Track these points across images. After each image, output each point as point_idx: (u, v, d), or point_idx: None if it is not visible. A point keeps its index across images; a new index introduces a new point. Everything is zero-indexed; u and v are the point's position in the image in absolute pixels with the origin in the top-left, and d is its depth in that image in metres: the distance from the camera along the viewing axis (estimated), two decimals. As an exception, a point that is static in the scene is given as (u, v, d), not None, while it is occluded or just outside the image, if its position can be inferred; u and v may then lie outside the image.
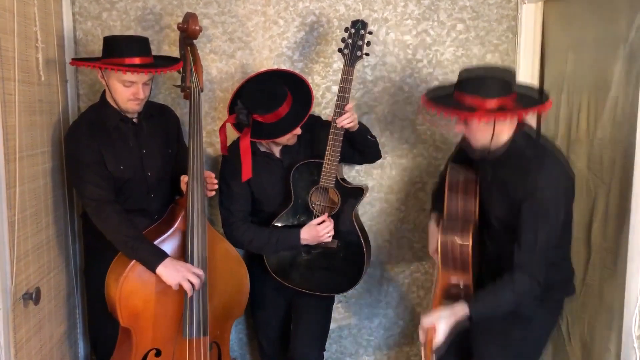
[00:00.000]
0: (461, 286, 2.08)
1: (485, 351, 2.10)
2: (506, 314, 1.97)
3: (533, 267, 1.92)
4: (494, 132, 1.91)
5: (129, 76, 2.10)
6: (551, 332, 2.17)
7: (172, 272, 2.08)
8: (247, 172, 2.30)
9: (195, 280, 2.09)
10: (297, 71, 2.53)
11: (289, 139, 2.32)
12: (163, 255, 2.10)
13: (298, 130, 2.29)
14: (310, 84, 2.38)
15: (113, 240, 2.12)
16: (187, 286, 2.09)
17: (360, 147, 2.41)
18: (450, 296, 2.09)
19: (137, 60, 2.10)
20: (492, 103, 1.85)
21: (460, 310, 1.92)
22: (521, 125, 1.98)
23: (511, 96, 1.89)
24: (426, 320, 1.94)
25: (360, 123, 2.35)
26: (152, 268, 2.08)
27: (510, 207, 1.95)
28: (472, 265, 2.04)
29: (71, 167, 2.23)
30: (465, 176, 2.14)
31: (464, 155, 2.16)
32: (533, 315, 2.03)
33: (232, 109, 2.31)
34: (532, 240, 1.90)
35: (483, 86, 1.88)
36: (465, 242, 2.01)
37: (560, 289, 2.09)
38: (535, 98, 1.99)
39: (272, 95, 2.26)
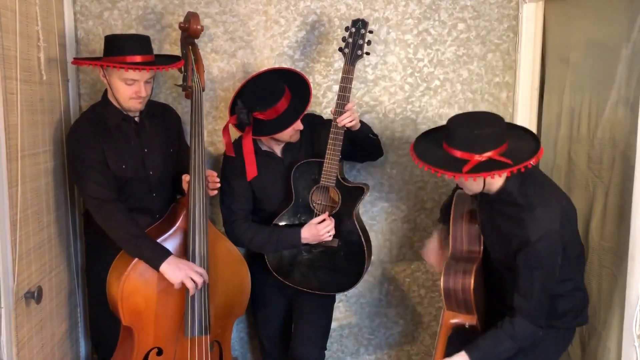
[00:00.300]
0: (467, 326, 2.08)
1: None
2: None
3: (532, 313, 1.92)
4: (484, 184, 1.92)
5: (131, 74, 2.11)
6: (558, 357, 2.15)
7: (175, 270, 2.08)
8: (252, 171, 2.30)
9: (198, 279, 2.10)
10: (296, 69, 2.54)
11: (292, 135, 2.32)
12: (166, 253, 2.11)
13: (300, 125, 2.30)
14: (308, 78, 2.37)
15: (116, 238, 2.12)
16: (190, 284, 2.09)
17: (362, 145, 2.41)
18: (458, 335, 2.09)
19: (138, 59, 2.11)
20: (482, 157, 1.84)
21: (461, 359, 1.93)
22: (513, 174, 1.92)
23: (502, 147, 1.87)
24: None
25: (361, 122, 2.35)
26: (155, 266, 2.09)
27: (507, 252, 1.96)
28: (477, 304, 2.04)
29: (73, 165, 2.23)
30: (470, 208, 2.14)
31: None
32: (540, 342, 2.01)
33: (232, 109, 2.32)
34: (529, 288, 1.90)
35: (473, 140, 1.85)
36: (467, 283, 2.00)
37: (572, 316, 2.07)
38: (529, 142, 1.95)
39: (270, 91, 2.27)
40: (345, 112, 2.25)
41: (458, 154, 1.86)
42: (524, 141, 1.96)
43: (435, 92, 2.70)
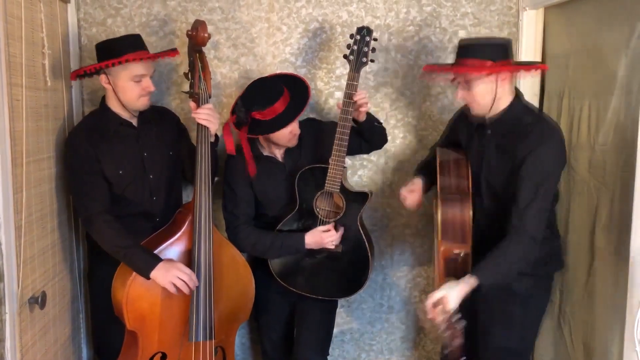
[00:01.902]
0: (461, 255, 2.10)
1: (490, 331, 2.16)
2: (505, 294, 2.05)
3: (531, 226, 1.94)
4: (495, 96, 1.99)
5: (139, 69, 2.14)
6: (546, 307, 2.25)
7: (163, 274, 2.09)
8: (251, 167, 2.34)
9: (186, 278, 2.10)
10: (297, 73, 2.56)
11: (290, 139, 2.33)
12: (155, 261, 2.11)
13: (297, 129, 2.32)
14: (308, 82, 2.39)
15: (107, 250, 2.14)
16: (179, 283, 2.09)
17: (369, 135, 2.43)
18: (451, 266, 2.12)
19: (131, 57, 2.12)
20: (490, 64, 1.95)
21: (468, 282, 1.92)
22: (519, 97, 2.08)
23: (508, 61, 1.99)
24: (436, 294, 1.91)
25: (367, 112, 2.36)
26: (145, 275, 2.10)
27: (510, 172, 2.00)
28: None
29: (67, 175, 2.26)
30: (455, 156, 2.21)
31: (453, 140, 2.30)
32: (529, 294, 2.12)
33: (234, 109, 2.33)
34: (530, 199, 1.93)
35: (481, 50, 1.98)
36: (466, 212, 2.05)
37: (549, 263, 2.14)
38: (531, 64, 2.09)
39: (268, 92, 2.30)
40: (359, 92, 2.26)
41: (468, 62, 1.98)
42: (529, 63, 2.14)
43: (436, 99, 2.72)
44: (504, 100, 2.04)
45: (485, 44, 2.05)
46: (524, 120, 2.03)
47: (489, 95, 2.01)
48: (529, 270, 2.06)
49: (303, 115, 2.54)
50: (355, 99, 2.25)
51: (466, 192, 2.13)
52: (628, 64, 2.00)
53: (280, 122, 2.27)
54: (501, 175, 2.06)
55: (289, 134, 2.31)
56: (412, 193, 2.30)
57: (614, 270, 2.09)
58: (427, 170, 2.38)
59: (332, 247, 2.34)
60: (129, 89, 2.17)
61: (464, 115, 2.25)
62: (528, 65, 2.05)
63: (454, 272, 2.07)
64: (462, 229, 2.06)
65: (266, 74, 2.63)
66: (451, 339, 1.90)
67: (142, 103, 2.22)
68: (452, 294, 1.90)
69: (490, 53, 1.98)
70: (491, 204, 2.13)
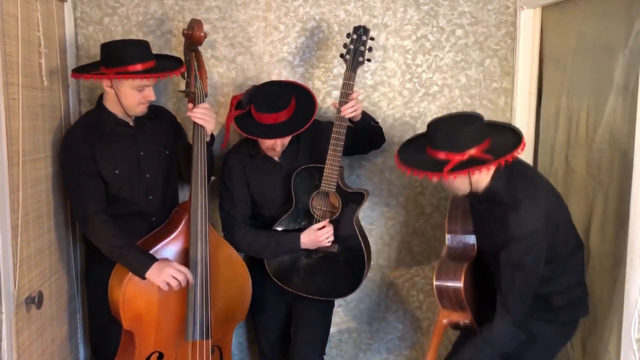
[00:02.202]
0: (461, 324, 2.13)
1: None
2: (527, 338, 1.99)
3: (512, 312, 1.94)
4: (471, 184, 1.93)
5: (143, 81, 2.14)
6: (557, 352, 2.17)
7: (158, 273, 2.08)
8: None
9: (180, 276, 2.09)
10: (302, 82, 2.57)
11: (270, 150, 2.33)
12: (151, 260, 2.10)
13: (285, 142, 2.32)
14: (317, 106, 2.38)
15: (102, 250, 2.14)
16: (173, 283, 2.09)
17: (366, 135, 2.43)
18: (455, 327, 2.15)
19: (139, 67, 2.12)
20: (463, 156, 1.86)
21: None
22: (498, 171, 1.93)
23: (483, 144, 1.89)
24: None
25: (363, 112, 2.36)
26: (141, 275, 2.09)
27: (493, 250, 1.99)
28: (470, 302, 2.07)
29: (63, 175, 2.26)
30: (464, 208, 2.18)
31: None
32: (538, 334, 2.04)
33: (238, 104, 2.34)
34: (509, 287, 1.93)
35: (453, 140, 1.88)
36: (457, 284, 2.04)
37: (570, 310, 2.08)
38: (510, 137, 1.96)
39: (277, 98, 2.29)
40: (349, 101, 2.26)
41: (441, 155, 1.88)
42: (506, 137, 1.97)
43: (434, 98, 2.72)
44: (483, 181, 1.93)
45: (456, 132, 1.88)
46: (504, 200, 1.93)
47: (464, 183, 1.94)
48: (547, 317, 2.04)
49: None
50: (343, 112, 2.25)
51: (467, 252, 2.13)
52: (625, 63, 2.00)
53: (269, 132, 2.27)
54: (486, 247, 2.08)
55: (274, 144, 2.30)
56: None
57: (610, 270, 2.09)
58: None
59: (328, 244, 2.34)
60: (131, 96, 2.18)
61: None
62: (501, 158, 1.85)
63: (462, 329, 2.11)
64: (458, 300, 2.06)
65: (263, 74, 2.64)
66: None
67: (141, 110, 2.23)
68: None
69: (462, 142, 1.86)
70: (491, 265, 2.10)
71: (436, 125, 1.95)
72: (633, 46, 1.95)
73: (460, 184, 1.94)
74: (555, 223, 1.98)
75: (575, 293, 2.07)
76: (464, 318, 2.09)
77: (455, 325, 2.14)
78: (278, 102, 2.27)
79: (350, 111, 2.26)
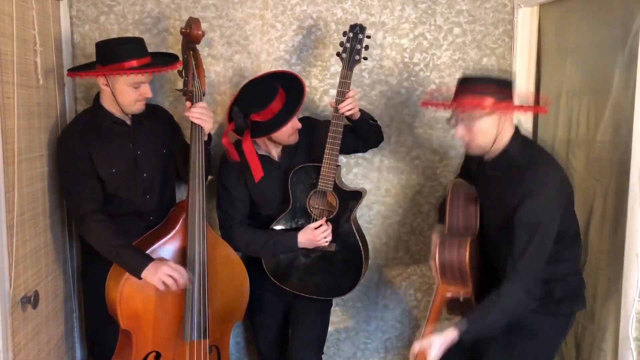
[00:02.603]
0: (461, 299, 2.05)
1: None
2: (511, 325, 1.91)
3: (525, 277, 1.86)
4: (497, 135, 1.92)
5: (139, 77, 2.13)
6: (558, 346, 2.14)
7: (154, 272, 2.07)
8: (258, 172, 2.31)
9: (176, 275, 2.08)
10: (289, 70, 2.55)
11: (291, 134, 2.32)
12: (147, 260, 2.09)
13: (297, 124, 2.31)
14: (301, 77, 2.38)
15: (99, 250, 2.13)
16: (169, 282, 2.08)
17: (364, 133, 2.42)
18: (453, 308, 2.09)
19: (134, 63, 2.12)
20: (493, 101, 1.87)
21: (450, 335, 1.87)
22: (518, 132, 1.98)
23: (510, 100, 1.91)
24: (416, 346, 1.90)
25: (361, 110, 2.35)
26: (137, 275, 2.08)
27: (506, 217, 1.91)
28: (472, 276, 2.02)
29: (59, 174, 2.25)
30: (467, 191, 2.13)
31: (468, 173, 2.20)
32: (538, 328, 2.00)
33: (230, 116, 2.32)
34: (523, 248, 1.85)
35: (483, 86, 1.89)
36: (462, 255, 1.98)
37: (569, 302, 2.04)
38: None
39: (264, 93, 2.28)
40: (345, 99, 2.25)
41: (468, 99, 1.89)
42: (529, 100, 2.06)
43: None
44: (503, 139, 1.95)
45: (487, 80, 1.94)
46: (519, 163, 1.92)
47: (490, 133, 1.92)
48: (547, 309, 1.99)
49: (298, 114, 2.53)
50: (341, 110, 2.24)
51: (470, 232, 2.08)
52: (625, 61, 2.00)
53: (279, 120, 2.26)
54: (500, 219, 1.97)
55: (290, 130, 2.30)
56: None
57: (609, 267, 2.09)
58: (444, 215, 2.25)
59: (326, 244, 2.33)
60: (127, 94, 2.16)
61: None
62: (531, 107, 1.98)
63: (459, 311, 2.04)
64: (461, 272, 2.00)
65: (260, 72, 2.61)
66: None
67: (138, 107, 2.21)
68: (435, 347, 1.86)
69: (492, 90, 1.89)
70: (498, 243, 2.04)
71: (469, 75, 2.01)
72: (632, 45, 1.95)
73: (487, 134, 1.92)
74: (567, 196, 1.95)
75: (573, 283, 2.04)
76: (464, 292, 2.02)
77: (453, 303, 2.07)
78: (267, 95, 2.27)
79: (347, 108, 2.26)
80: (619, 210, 2.00)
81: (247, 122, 2.28)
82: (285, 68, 2.64)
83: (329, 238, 2.33)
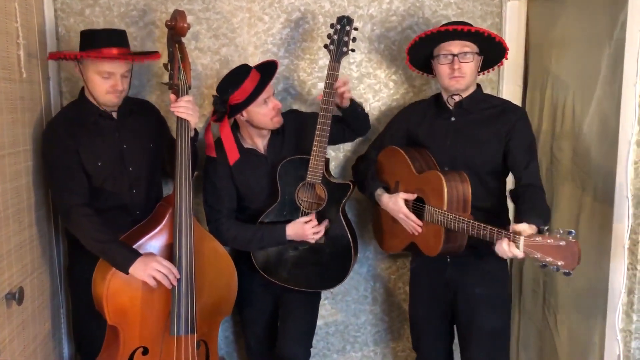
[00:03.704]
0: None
1: (475, 316, 2.20)
2: (482, 279, 2.18)
3: (538, 178, 2.10)
4: (475, 77, 2.20)
5: (107, 66, 2.10)
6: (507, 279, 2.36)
7: (142, 268, 2.06)
8: (233, 155, 2.31)
9: (166, 271, 2.07)
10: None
11: (273, 117, 2.30)
12: (134, 255, 2.07)
13: (277, 103, 2.30)
14: (276, 60, 2.36)
15: (85, 244, 2.11)
16: (159, 276, 2.06)
17: (352, 122, 2.42)
18: (450, 240, 2.13)
19: (114, 51, 2.11)
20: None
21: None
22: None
23: None
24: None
25: (351, 98, 2.35)
26: (124, 270, 2.06)
27: (490, 146, 2.15)
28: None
29: (45, 167, 2.22)
30: (414, 148, 2.30)
31: (398, 137, 2.38)
32: (503, 272, 2.24)
33: (214, 109, 2.31)
34: (528, 159, 2.09)
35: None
36: (466, 182, 2.08)
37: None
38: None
39: (236, 74, 2.28)
40: (334, 92, 2.25)
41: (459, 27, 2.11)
42: None
43: (420, 90, 2.71)
44: (473, 86, 2.23)
45: (469, 24, 2.18)
46: (493, 101, 2.25)
47: (476, 72, 2.19)
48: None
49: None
50: (336, 87, 2.24)
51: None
52: (611, 54, 2.00)
53: (253, 95, 2.24)
54: (478, 148, 2.16)
55: (271, 111, 2.28)
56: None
57: (597, 260, 2.10)
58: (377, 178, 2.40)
59: (312, 241, 2.33)
60: (96, 83, 2.14)
61: (412, 109, 2.41)
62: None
63: (455, 242, 2.12)
64: (465, 199, 2.08)
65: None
66: None
67: (110, 100, 2.18)
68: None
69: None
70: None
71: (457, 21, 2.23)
72: (618, 37, 1.95)
73: (474, 71, 2.17)
74: None
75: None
76: (466, 217, 2.03)
77: (450, 233, 2.09)
78: (239, 75, 2.27)
79: (345, 88, 2.27)
80: (608, 202, 2.01)
81: (225, 106, 2.27)
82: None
83: (318, 236, 2.32)
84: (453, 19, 2.64)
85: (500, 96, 2.66)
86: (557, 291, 2.38)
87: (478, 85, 2.26)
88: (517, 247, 1.77)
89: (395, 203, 2.24)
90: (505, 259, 2.16)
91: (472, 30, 2.12)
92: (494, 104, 2.23)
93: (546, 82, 2.44)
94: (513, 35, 2.62)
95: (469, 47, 2.15)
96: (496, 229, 1.85)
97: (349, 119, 2.39)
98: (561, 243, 1.69)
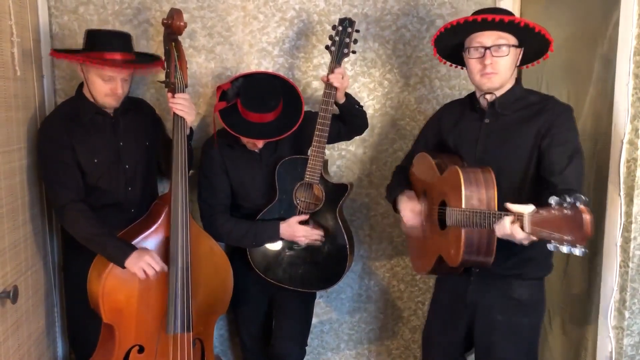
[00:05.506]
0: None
1: (495, 346, 1.98)
2: (508, 305, 1.91)
3: (575, 184, 1.75)
4: (512, 72, 1.89)
5: (109, 71, 2.10)
6: (544, 312, 2.09)
7: (135, 260, 2.06)
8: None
9: (158, 268, 2.08)
10: (282, 73, 2.53)
11: (257, 142, 2.30)
12: (130, 249, 2.08)
13: (260, 144, 2.30)
14: (304, 105, 2.33)
15: (80, 239, 2.11)
16: (150, 271, 2.07)
17: (349, 118, 2.39)
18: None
19: (117, 56, 2.10)
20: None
21: None
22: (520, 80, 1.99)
23: None
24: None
25: (347, 94, 2.33)
26: (120, 263, 2.07)
27: (525, 149, 1.86)
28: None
29: (40, 164, 2.22)
30: (447, 155, 2.05)
31: (433, 142, 2.16)
32: (533, 301, 1.97)
33: (222, 96, 2.30)
34: (565, 162, 1.77)
35: (507, 13, 1.88)
36: (489, 174, 1.80)
37: (542, 266, 1.97)
38: None
39: (266, 99, 2.26)
40: (333, 92, 2.23)
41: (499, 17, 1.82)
42: None
43: (414, 89, 2.72)
44: (510, 82, 1.93)
45: (508, 11, 1.93)
46: (532, 98, 1.93)
47: (512, 67, 1.89)
48: (527, 276, 1.94)
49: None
50: (331, 80, 2.21)
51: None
52: (604, 53, 2.02)
53: (252, 131, 2.24)
54: (512, 153, 1.89)
55: (254, 141, 2.28)
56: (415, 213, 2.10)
57: (589, 258, 2.12)
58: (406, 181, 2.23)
59: (302, 244, 2.33)
60: (97, 85, 2.14)
61: (446, 109, 2.17)
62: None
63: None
64: (486, 180, 1.80)
65: (243, 64, 2.61)
66: None
67: (108, 102, 2.18)
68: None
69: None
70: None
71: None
72: (611, 36, 1.97)
73: (511, 66, 1.87)
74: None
75: (541, 248, 1.79)
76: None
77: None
78: (268, 103, 2.25)
79: (337, 77, 2.22)
80: (601, 201, 2.03)
81: (235, 99, 2.27)
82: (267, 59, 2.62)
83: (307, 240, 2.33)
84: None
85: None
86: (552, 289, 2.40)
87: (517, 80, 1.97)
88: (523, 228, 1.55)
89: (403, 206, 2.10)
90: (539, 284, 1.99)
91: (506, 20, 1.80)
92: (533, 102, 1.91)
93: (541, 80, 2.45)
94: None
95: (504, 38, 1.86)
96: (503, 212, 1.62)
97: (346, 116, 2.39)
98: (567, 212, 1.42)
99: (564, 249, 1.44)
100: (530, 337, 1.99)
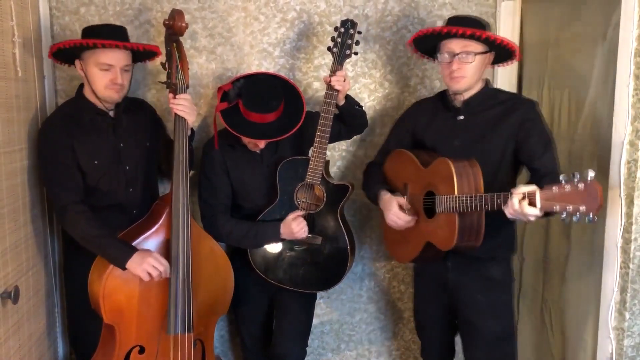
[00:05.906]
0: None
1: (479, 323, 2.14)
2: (486, 284, 2.11)
3: (555, 166, 1.98)
4: (480, 75, 2.07)
5: (106, 57, 2.10)
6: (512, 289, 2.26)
7: (139, 262, 2.06)
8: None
9: (161, 268, 2.08)
10: (283, 74, 2.53)
11: (257, 143, 2.30)
12: (131, 251, 2.08)
13: (262, 144, 2.30)
14: (305, 106, 2.33)
15: (80, 241, 2.10)
16: (154, 273, 2.07)
17: (349, 119, 2.40)
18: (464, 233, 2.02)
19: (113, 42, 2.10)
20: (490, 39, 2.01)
21: None
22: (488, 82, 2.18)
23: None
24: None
25: (347, 95, 2.33)
26: (121, 265, 2.06)
27: (497, 144, 2.04)
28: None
29: (41, 164, 2.22)
30: (423, 150, 2.20)
31: (406, 140, 2.31)
32: (506, 279, 2.16)
33: (223, 96, 2.29)
34: (542, 150, 1.97)
35: (479, 25, 2.04)
36: (476, 166, 1.96)
37: (509, 246, 2.17)
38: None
39: (268, 99, 2.26)
40: (335, 92, 2.24)
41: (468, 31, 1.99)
42: None
43: (415, 90, 2.72)
44: (480, 83, 2.12)
45: (478, 21, 2.08)
46: (502, 97, 2.12)
47: (479, 71, 2.07)
48: (499, 257, 2.13)
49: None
50: (332, 82, 2.22)
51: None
52: (605, 54, 2.02)
53: (254, 131, 2.24)
54: (488, 148, 2.06)
55: (255, 141, 2.28)
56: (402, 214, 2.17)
57: (589, 259, 2.13)
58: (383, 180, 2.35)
59: (304, 236, 2.33)
60: (97, 77, 2.14)
61: (418, 108, 2.31)
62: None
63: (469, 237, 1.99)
64: (475, 177, 1.95)
65: (244, 65, 2.61)
66: None
67: (110, 95, 2.17)
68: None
69: (484, 29, 2.05)
70: None
71: (460, 15, 2.17)
72: (612, 38, 1.97)
73: (477, 70, 2.05)
74: None
75: (507, 229, 2.13)
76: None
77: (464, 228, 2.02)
78: (269, 103, 2.25)
79: (338, 80, 2.24)
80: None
81: (236, 99, 2.26)
82: (268, 60, 2.63)
83: (303, 231, 2.32)
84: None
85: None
86: (553, 290, 2.40)
87: (487, 81, 2.15)
88: (534, 204, 1.67)
89: (389, 202, 2.20)
90: (508, 264, 2.17)
91: (468, 32, 1.98)
92: (502, 100, 2.10)
93: (542, 82, 2.45)
94: (507, 36, 2.63)
95: (471, 46, 2.02)
96: (507, 193, 1.76)
97: (346, 117, 2.39)
98: (580, 186, 1.58)
99: (575, 219, 1.61)
100: (507, 312, 2.17)
